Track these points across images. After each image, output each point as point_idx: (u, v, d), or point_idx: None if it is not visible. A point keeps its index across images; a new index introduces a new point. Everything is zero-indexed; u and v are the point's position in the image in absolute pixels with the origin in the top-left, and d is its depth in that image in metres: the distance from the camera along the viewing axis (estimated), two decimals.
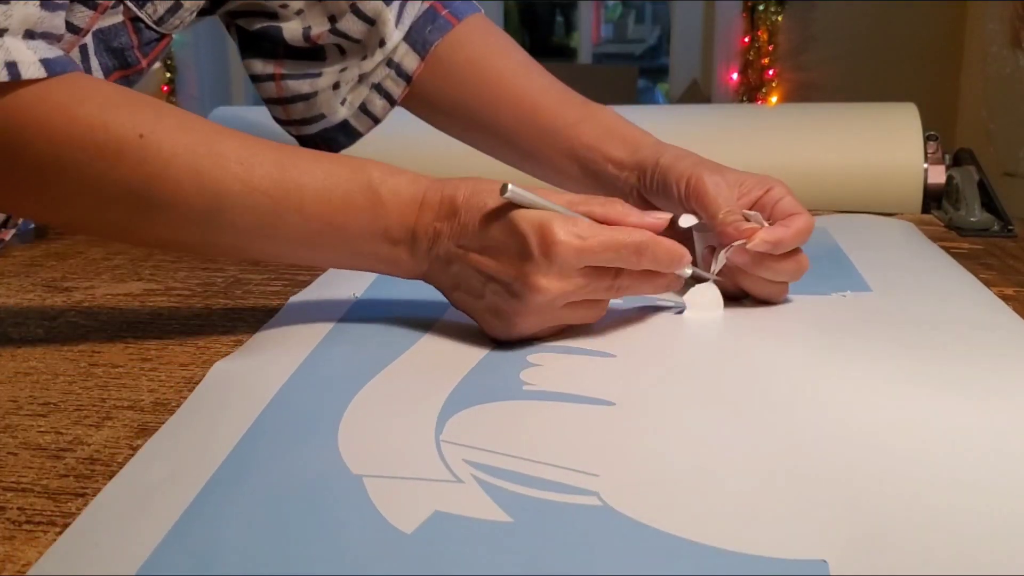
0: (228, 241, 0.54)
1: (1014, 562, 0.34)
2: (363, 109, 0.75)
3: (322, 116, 0.75)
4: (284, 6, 0.71)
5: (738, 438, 0.44)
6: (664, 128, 1.19)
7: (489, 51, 0.73)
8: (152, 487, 0.40)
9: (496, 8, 3.02)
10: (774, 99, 2.61)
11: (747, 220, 0.60)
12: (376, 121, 0.76)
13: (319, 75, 0.74)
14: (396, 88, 0.74)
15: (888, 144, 1.03)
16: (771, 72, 2.61)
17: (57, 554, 0.36)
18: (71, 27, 0.57)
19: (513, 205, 0.51)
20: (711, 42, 2.77)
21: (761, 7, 2.59)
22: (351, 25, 0.72)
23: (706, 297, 0.60)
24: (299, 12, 0.72)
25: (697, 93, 2.80)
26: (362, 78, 0.73)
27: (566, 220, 0.51)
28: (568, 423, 0.46)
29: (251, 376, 0.51)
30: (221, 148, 0.52)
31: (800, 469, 0.41)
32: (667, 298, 0.61)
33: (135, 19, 0.63)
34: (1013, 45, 2.14)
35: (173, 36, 0.66)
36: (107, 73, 0.62)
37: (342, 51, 0.73)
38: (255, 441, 0.44)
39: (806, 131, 1.08)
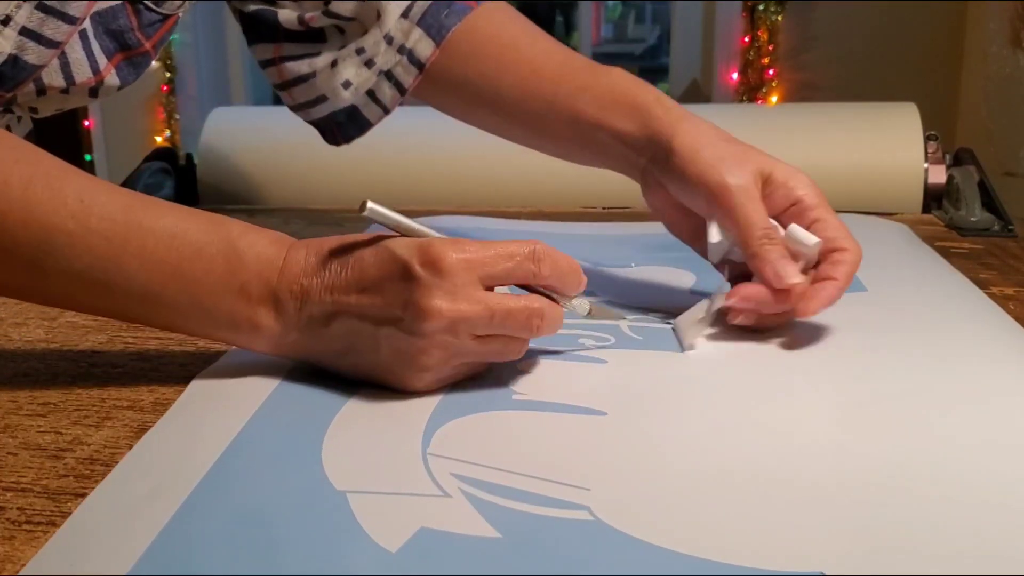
0: (59, 289, 0.49)
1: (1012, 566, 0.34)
2: (372, 96, 0.71)
3: (324, 98, 0.72)
4: None
5: (732, 449, 0.43)
6: None
7: (504, 30, 0.69)
8: (130, 506, 0.39)
9: None
10: (774, 99, 2.61)
11: (785, 239, 0.54)
12: (386, 111, 0.72)
13: (317, 55, 0.71)
14: (407, 76, 0.69)
15: (888, 144, 1.03)
16: (771, 72, 2.61)
17: None
18: (67, 18, 0.57)
19: (386, 237, 0.48)
20: (711, 42, 2.76)
21: (761, 7, 2.59)
22: (341, 5, 0.69)
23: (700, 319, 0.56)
24: None
25: (697, 93, 2.80)
26: (368, 63, 0.70)
27: (447, 239, 0.47)
28: (559, 434, 0.45)
29: (231, 391, 0.50)
30: (61, 184, 0.48)
31: (795, 480, 0.40)
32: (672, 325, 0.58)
33: (135, 0, 0.62)
34: (1013, 45, 2.14)
35: (179, 15, 0.65)
36: (109, 56, 0.61)
37: (341, 32, 0.71)
38: (236, 458, 0.43)
39: (806, 131, 1.08)
